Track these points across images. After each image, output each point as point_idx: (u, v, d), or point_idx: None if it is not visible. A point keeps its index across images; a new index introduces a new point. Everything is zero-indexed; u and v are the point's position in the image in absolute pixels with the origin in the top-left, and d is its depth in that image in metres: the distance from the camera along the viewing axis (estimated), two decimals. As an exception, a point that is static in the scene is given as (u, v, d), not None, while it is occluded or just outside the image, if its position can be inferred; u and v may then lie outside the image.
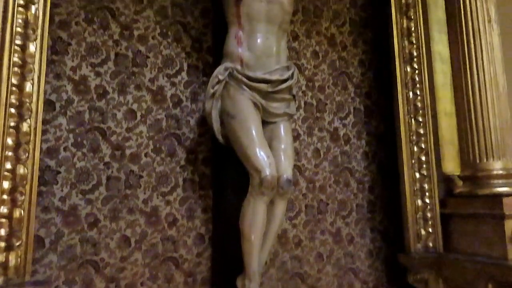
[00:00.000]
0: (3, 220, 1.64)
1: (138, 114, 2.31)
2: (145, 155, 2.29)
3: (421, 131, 2.57)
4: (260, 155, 2.00)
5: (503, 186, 2.27)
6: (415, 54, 2.63)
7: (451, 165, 2.63)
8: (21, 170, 1.71)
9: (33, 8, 1.78)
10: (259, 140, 2.03)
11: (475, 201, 2.34)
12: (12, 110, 1.69)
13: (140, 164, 2.27)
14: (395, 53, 2.63)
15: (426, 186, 2.53)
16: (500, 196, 2.23)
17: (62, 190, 2.10)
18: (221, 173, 2.37)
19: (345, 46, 2.91)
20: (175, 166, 2.35)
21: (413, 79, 2.62)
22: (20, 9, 1.74)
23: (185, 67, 2.44)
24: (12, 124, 1.69)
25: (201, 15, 2.51)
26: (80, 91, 2.19)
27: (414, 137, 2.57)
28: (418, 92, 2.61)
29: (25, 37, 1.76)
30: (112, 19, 2.30)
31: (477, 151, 2.37)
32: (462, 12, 2.44)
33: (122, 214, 2.20)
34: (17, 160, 1.71)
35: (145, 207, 2.26)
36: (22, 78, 1.74)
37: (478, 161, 2.37)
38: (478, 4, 2.43)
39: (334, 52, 2.87)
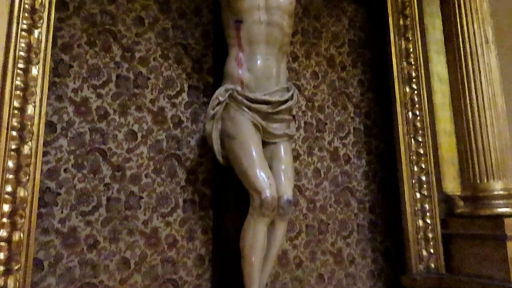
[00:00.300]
0: (3, 243, 1.64)
1: (139, 135, 2.31)
2: (146, 176, 2.29)
3: (421, 151, 2.58)
4: (261, 176, 2.00)
5: (505, 207, 2.27)
6: (413, 74, 2.65)
7: (452, 185, 2.63)
8: (21, 192, 1.71)
9: (36, 32, 1.81)
10: (259, 161, 2.04)
11: (477, 222, 2.33)
12: (14, 133, 1.70)
13: (141, 185, 2.27)
14: (394, 74, 2.66)
15: (427, 206, 2.52)
16: (502, 217, 2.22)
17: (62, 212, 2.09)
18: (222, 194, 2.36)
19: (344, 66, 2.94)
20: (175, 186, 2.35)
21: (412, 100, 2.64)
22: (23, 33, 1.77)
23: (186, 88, 2.46)
24: (13, 146, 1.70)
25: (201, 37, 2.55)
26: (81, 112, 2.21)
27: (414, 157, 2.58)
28: (418, 112, 2.62)
29: (28, 61, 1.78)
30: (114, 42, 2.33)
31: (477, 171, 2.37)
32: (460, 34, 2.48)
33: (121, 236, 2.19)
34: (17, 183, 1.71)
35: (145, 228, 2.25)
36: (24, 101, 1.75)
37: (478, 181, 2.37)
38: (475, 26, 2.47)
39: (333, 73, 2.89)
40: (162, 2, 2.48)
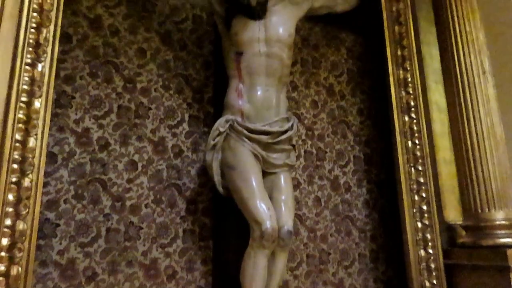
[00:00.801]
0: (0, 278, 1.62)
1: (139, 165, 2.32)
2: (145, 206, 2.29)
3: (421, 180, 2.57)
4: (261, 207, 1.99)
5: (507, 237, 2.26)
6: (412, 104, 2.68)
7: (453, 214, 2.61)
8: (20, 225, 1.70)
9: (39, 66, 1.83)
10: (259, 192, 2.03)
11: (479, 252, 2.31)
12: (15, 166, 1.70)
13: (140, 215, 2.26)
14: (393, 103, 2.68)
15: (428, 236, 2.50)
16: (504, 247, 2.21)
17: (60, 244, 2.07)
18: (222, 224, 2.35)
19: (343, 95, 2.97)
20: (175, 216, 2.34)
21: (411, 128, 2.65)
22: (27, 67, 1.79)
23: (187, 118, 2.48)
24: (14, 179, 1.69)
25: (202, 67, 2.58)
26: (82, 143, 2.22)
27: (414, 186, 2.57)
28: (417, 141, 2.63)
29: (31, 94, 1.79)
30: (116, 73, 2.36)
31: (478, 201, 2.37)
32: (457, 65, 2.52)
33: (120, 267, 2.16)
34: (17, 216, 1.70)
35: (144, 259, 2.23)
36: (26, 133, 1.76)
37: (480, 211, 2.36)
38: (472, 57, 2.51)
39: (333, 101, 2.92)
40: (164, 34, 2.53)
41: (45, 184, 2.05)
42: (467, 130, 2.44)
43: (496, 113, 2.47)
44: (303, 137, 2.76)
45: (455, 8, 2.59)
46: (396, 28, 2.80)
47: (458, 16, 2.61)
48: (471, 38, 2.56)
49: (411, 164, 2.61)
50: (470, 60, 2.50)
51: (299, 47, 2.89)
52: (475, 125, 2.43)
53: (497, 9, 3.09)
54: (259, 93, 2.20)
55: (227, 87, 2.30)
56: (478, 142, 2.41)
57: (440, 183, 2.64)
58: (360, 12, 2.86)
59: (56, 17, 1.96)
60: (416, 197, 2.56)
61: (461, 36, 2.56)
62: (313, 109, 2.85)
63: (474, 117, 2.44)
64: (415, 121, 2.67)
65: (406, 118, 2.67)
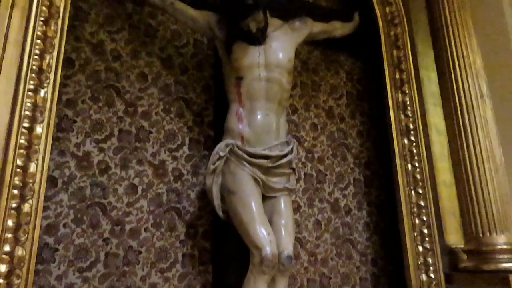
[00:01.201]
0: (-2, 305, 1.60)
1: (139, 189, 2.32)
2: (145, 230, 2.28)
3: (422, 203, 2.57)
4: (261, 233, 1.98)
5: (509, 262, 2.23)
6: (411, 127, 2.69)
7: (454, 237, 2.60)
8: (19, 251, 1.69)
9: (42, 92, 1.86)
10: (259, 217, 2.03)
11: (481, 277, 2.28)
12: (15, 191, 1.71)
13: (140, 239, 2.25)
14: (392, 127, 2.70)
15: (430, 260, 2.48)
16: (506, 272, 2.19)
17: (59, 268, 2.06)
18: (222, 248, 2.33)
19: (343, 118, 2.99)
20: (174, 240, 2.32)
21: (411, 151, 2.66)
22: (30, 93, 1.81)
23: (187, 141, 2.49)
24: (13, 205, 1.70)
25: (203, 91, 2.61)
26: (83, 167, 2.22)
27: (415, 209, 2.57)
28: (417, 164, 2.64)
29: (33, 120, 1.81)
30: (118, 97, 2.38)
31: (479, 225, 2.36)
32: (455, 89, 2.54)
33: (119, 293, 2.14)
34: (16, 242, 1.69)
35: (143, 284, 2.20)
36: (27, 159, 1.77)
37: (481, 234, 2.35)
38: (470, 80, 2.54)
39: (332, 124, 2.94)
40: (165, 58, 2.56)
41: (45, 208, 2.05)
42: (466, 153, 2.45)
43: (495, 136, 2.48)
44: (303, 159, 2.77)
45: (452, 33, 2.63)
46: (394, 52, 2.84)
47: (455, 41, 2.65)
48: (468, 62, 2.59)
49: (411, 187, 2.61)
50: (468, 84, 2.52)
51: (299, 71, 2.92)
52: (474, 148, 2.44)
53: (493, 33, 3.14)
54: (259, 117, 2.21)
55: (227, 110, 2.32)
56: (477, 165, 2.41)
57: (440, 206, 2.63)
58: (359, 36, 2.91)
59: (60, 44, 1.99)
60: (417, 221, 2.55)
61: (458, 60, 2.59)
62: (313, 131, 2.86)
63: (473, 140, 2.45)
64: (414, 144, 2.68)
65: (406, 141, 2.69)
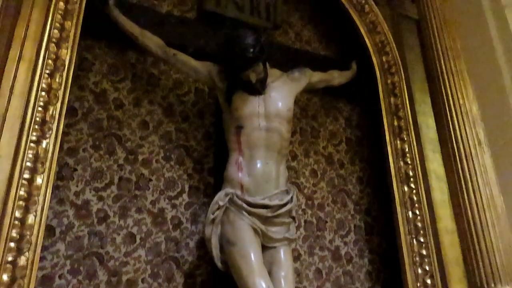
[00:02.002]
0: None
1: (138, 238, 2.29)
2: (142, 281, 2.23)
3: (424, 252, 2.52)
4: (260, 286, 1.94)
5: (515, 315, 2.17)
6: (411, 174, 2.69)
7: (459, 287, 2.53)
8: (13, 307, 1.65)
9: (44, 142, 1.87)
10: (258, 269, 1.99)
11: (488, 331, 2.22)
12: (12, 245, 1.68)
13: (136, 291, 2.20)
14: (392, 174, 2.69)
15: (435, 313, 2.41)
16: (514, 326, 2.12)
17: (53, 323, 2.00)
18: (220, 299, 2.28)
19: (342, 164, 3.00)
20: (172, 292, 2.27)
21: (411, 199, 2.64)
22: (32, 144, 1.82)
23: (187, 189, 2.49)
24: (9, 259, 1.67)
25: (203, 138, 2.63)
26: (81, 215, 2.21)
27: (417, 259, 2.52)
28: (417, 212, 2.61)
29: (34, 171, 1.81)
30: (119, 145, 2.40)
31: (483, 275, 2.32)
32: (453, 136, 2.57)
33: None
34: (10, 297, 1.66)
35: (139, 338, 2.14)
36: (26, 211, 1.75)
37: (486, 285, 2.30)
38: (467, 128, 2.57)
39: (332, 170, 2.95)
40: (167, 106, 2.61)
41: (41, 259, 2.01)
42: (467, 202, 2.44)
43: (495, 184, 2.48)
44: (303, 206, 2.75)
45: (447, 82, 2.69)
46: (392, 99, 2.88)
47: (451, 89, 2.71)
48: (465, 110, 2.64)
49: (413, 236, 2.57)
50: (466, 132, 2.55)
51: (298, 117, 2.96)
52: (475, 197, 2.43)
53: (488, 79, 3.21)
54: (258, 166, 2.22)
55: (227, 157, 2.33)
56: (479, 213, 2.40)
57: (443, 254, 2.57)
58: (356, 83, 2.97)
59: (64, 95, 2.03)
60: (420, 270, 2.49)
61: (455, 108, 2.64)
62: (313, 178, 2.86)
63: (473, 188, 2.45)
64: (414, 191, 2.66)
65: (406, 188, 2.67)
